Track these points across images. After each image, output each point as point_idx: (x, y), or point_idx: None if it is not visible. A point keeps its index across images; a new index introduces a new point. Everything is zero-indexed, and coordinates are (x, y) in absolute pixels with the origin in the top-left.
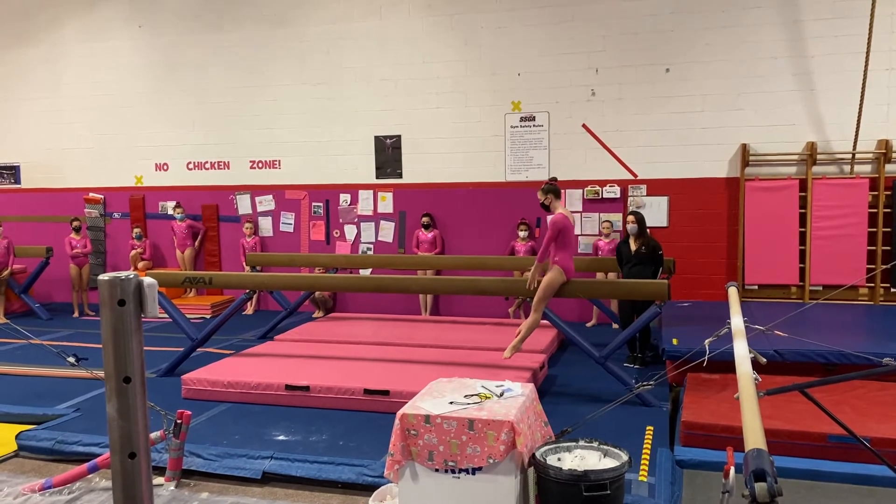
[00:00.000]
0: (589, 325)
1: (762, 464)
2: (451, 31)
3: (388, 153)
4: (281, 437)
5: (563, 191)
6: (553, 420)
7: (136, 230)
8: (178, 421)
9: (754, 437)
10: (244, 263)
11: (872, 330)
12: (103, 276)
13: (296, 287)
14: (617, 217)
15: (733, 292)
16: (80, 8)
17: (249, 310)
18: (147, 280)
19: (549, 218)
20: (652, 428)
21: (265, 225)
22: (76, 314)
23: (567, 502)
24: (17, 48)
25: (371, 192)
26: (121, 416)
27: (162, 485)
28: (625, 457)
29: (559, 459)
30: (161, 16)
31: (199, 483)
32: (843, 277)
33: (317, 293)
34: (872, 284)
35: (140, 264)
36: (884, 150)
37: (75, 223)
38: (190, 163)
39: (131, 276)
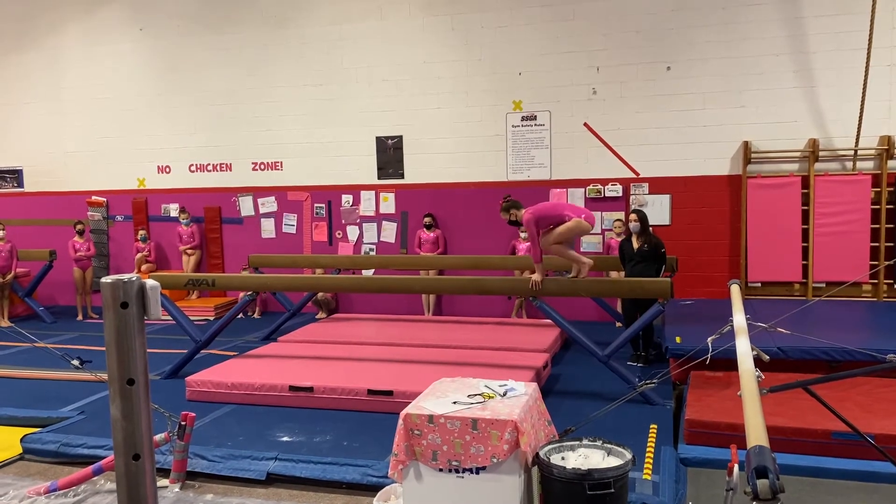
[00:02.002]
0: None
1: (764, 460)
2: (451, 30)
3: (389, 154)
4: (285, 438)
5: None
6: (556, 419)
7: (140, 233)
8: (183, 423)
9: (756, 434)
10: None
11: (876, 326)
12: (106, 279)
13: (298, 288)
14: (619, 215)
15: (735, 290)
16: (80, 11)
17: (257, 313)
18: (150, 282)
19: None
20: (656, 426)
21: (268, 226)
22: (80, 317)
23: (571, 501)
24: (18, 52)
25: (373, 192)
26: (125, 418)
27: (166, 486)
28: (629, 455)
29: (563, 458)
30: (162, 18)
31: (204, 484)
32: (846, 274)
33: (319, 294)
34: (876, 281)
35: (144, 266)
36: (886, 147)
37: (79, 226)
38: (192, 165)
39: (134, 279)
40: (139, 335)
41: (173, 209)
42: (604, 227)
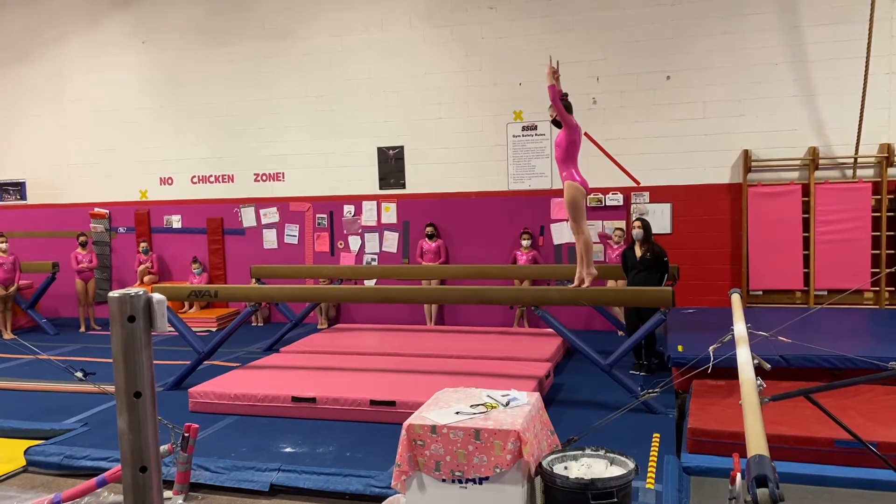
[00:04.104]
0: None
1: (764, 469)
2: (452, 41)
3: (390, 164)
4: (288, 449)
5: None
6: (559, 428)
7: (142, 244)
8: (186, 434)
9: (756, 443)
10: None
11: (878, 334)
12: (113, 293)
13: (301, 299)
14: (620, 224)
15: (736, 299)
16: (84, 24)
17: (261, 321)
18: (156, 296)
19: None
20: (658, 435)
21: (270, 237)
22: (82, 329)
23: None
24: (21, 65)
25: (374, 202)
26: (132, 431)
27: (170, 498)
28: (631, 464)
29: (566, 468)
30: (164, 31)
31: (208, 496)
32: (847, 281)
33: None
34: (877, 288)
35: (146, 278)
36: (886, 154)
37: (81, 238)
38: (194, 176)
39: (141, 293)
40: (146, 348)
41: (175, 220)
42: (604, 234)
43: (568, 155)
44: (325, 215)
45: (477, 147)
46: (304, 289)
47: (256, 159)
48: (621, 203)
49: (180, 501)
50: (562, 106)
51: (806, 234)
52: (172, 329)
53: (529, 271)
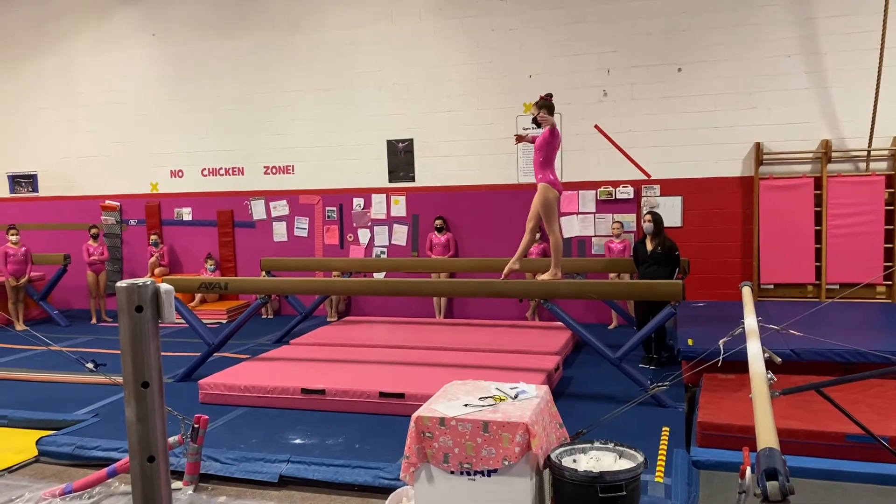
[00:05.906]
0: (611, 327)
1: (774, 463)
2: (462, 34)
3: (400, 157)
4: (297, 441)
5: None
6: (568, 421)
7: (153, 237)
8: (196, 425)
9: (766, 437)
10: None
11: (890, 328)
12: (121, 283)
13: (310, 291)
14: (631, 218)
15: (747, 292)
16: (93, 19)
17: (270, 313)
18: (164, 286)
19: (546, 129)
20: (668, 429)
21: (280, 230)
22: (94, 320)
23: None
24: (32, 59)
25: (384, 195)
26: (139, 421)
27: (180, 489)
28: (640, 458)
29: (574, 461)
30: (174, 24)
31: (217, 487)
32: (859, 275)
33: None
34: (889, 282)
35: (157, 270)
36: None
37: (93, 230)
38: (204, 169)
39: (148, 283)
40: (154, 339)
41: (186, 213)
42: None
43: (547, 158)
44: (334, 208)
45: (487, 140)
46: (314, 281)
47: (266, 152)
48: (632, 196)
49: (190, 492)
50: (553, 120)
51: (818, 228)
52: (182, 320)
53: (538, 264)
